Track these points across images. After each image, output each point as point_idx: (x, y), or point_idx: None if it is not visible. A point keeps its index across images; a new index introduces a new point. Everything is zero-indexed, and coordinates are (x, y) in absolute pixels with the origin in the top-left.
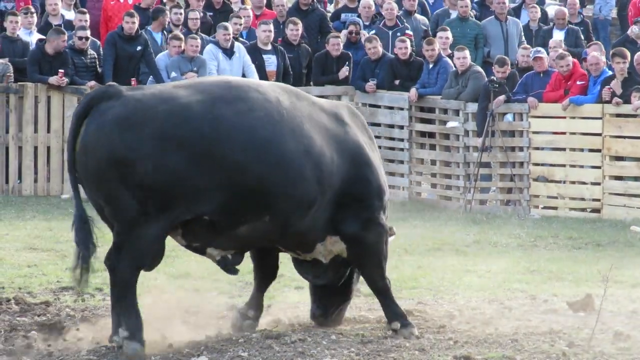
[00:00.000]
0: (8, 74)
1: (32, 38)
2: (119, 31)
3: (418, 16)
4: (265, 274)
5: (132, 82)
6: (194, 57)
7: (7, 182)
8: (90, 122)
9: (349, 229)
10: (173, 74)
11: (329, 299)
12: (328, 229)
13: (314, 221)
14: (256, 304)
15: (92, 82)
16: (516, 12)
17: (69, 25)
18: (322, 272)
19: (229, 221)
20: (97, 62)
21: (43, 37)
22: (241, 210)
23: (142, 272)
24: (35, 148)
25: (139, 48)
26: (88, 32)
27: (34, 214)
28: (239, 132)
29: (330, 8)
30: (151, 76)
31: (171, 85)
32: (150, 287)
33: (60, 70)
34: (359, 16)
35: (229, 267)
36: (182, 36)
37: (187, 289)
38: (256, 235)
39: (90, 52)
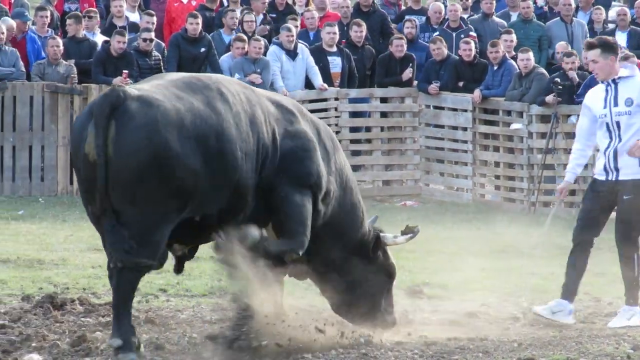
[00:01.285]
0: (72, 75)
1: (96, 39)
2: (183, 33)
3: (496, 19)
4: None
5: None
6: (257, 59)
7: (71, 183)
8: (122, 125)
9: (276, 196)
10: (237, 76)
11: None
12: (268, 216)
13: (256, 208)
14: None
15: None
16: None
17: (133, 27)
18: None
19: (219, 221)
20: (162, 64)
21: (108, 38)
22: (232, 209)
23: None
24: None
25: (202, 49)
26: (152, 34)
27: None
28: (235, 130)
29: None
30: None
31: (156, 84)
32: (216, 288)
33: (124, 71)
34: (427, 19)
35: (183, 263)
36: (245, 38)
37: None
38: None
39: (155, 53)
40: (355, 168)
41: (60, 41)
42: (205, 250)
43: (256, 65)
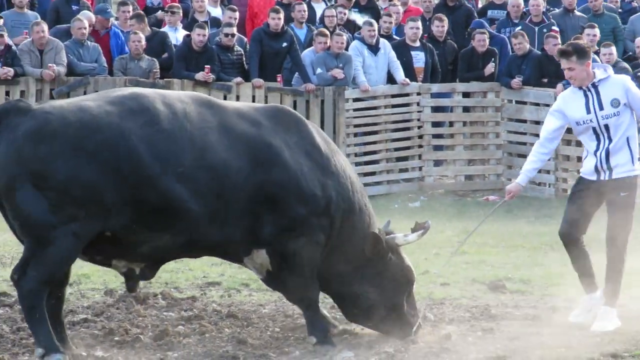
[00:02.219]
0: (154, 70)
1: (178, 35)
2: (265, 27)
3: (577, 13)
4: None
5: (278, 79)
6: (339, 54)
7: None
8: (1, 138)
9: (267, 238)
10: (319, 70)
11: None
12: (252, 242)
13: (226, 234)
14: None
15: (238, 79)
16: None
17: (215, 22)
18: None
19: (131, 239)
20: (244, 59)
21: (189, 33)
22: (142, 229)
23: None
24: None
25: (284, 44)
26: (234, 29)
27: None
28: (146, 146)
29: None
30: (297, 72)
31: (80, 98)
32: None
33: (206, 66)
34: (507, 14)
35: (133, 281)
36: (328, 32)
37: None
38: (160, 252)
39: (237, 48)
40: (438, 163)
41: (142, 36)
42: None
43: (338, 60)
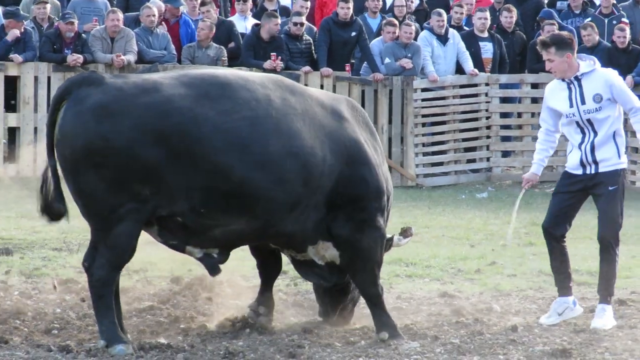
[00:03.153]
0: (222, 58)
1: (247, 23)
2: (334, 17)
3: None
4: (269, 270)
5: (346, 68)
6: (408, 44)
7: None
8: (68, 109)
9: (341, 232)
10: (387, 60)
11: (330, 299)
12: (320, 232)
13: (300, 223)
14: (266, 300)
15: (307, 68)
16: None
17: (284, 11)
18: (326, 274)
19: (203, 223)
20: (312, 48)
21: (258, 22)
22: (216, 213)
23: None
24: None
25: (353, 34)
26: (303, 18)
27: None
28: (221, 133)
29: None
30: (365, 62)
31: (157, 75)
32: None
33: (272, 54)
34: (568, 5)
35: (213, 265)
36: (396, 22)
37: (398, 275)
38: (233, 237)
39: (306, 37)
40: (506, 154)
41: (210, 24)
42: None
43: (407, 50)
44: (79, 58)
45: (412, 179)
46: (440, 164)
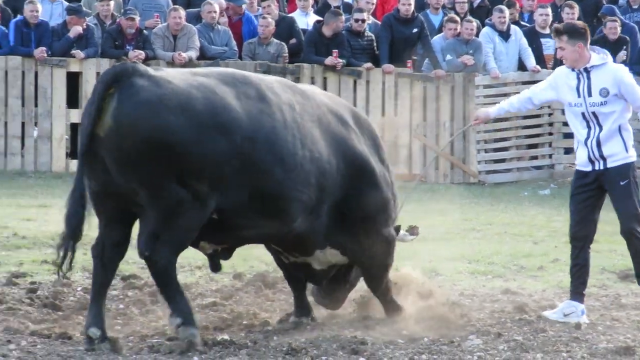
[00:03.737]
0: (283, 54)
1: (308, 20)
2: (395, 13)
3: None
4: (296, 279)
5: (408, 65)
6: (469, 40)
7: None
8: (125, 98)
9: (349, 241)
10: (448, 57)
11: (329, 284)
12: (329, 239)
13: (312, 227)
14: (302, 306)
15: (368, 64)
16: None
17: (346, 7)
18: (318, 277)
19: (238, 222)
20: (374, 44)
21: (320, 18)
22: (253, 214)
23: None
24: None
25: (415, 30)
26: (365, 15)
27: None
28: (265, 133)
29: None
30: (427, 59)
31: (190, 71)
32: (424, 268)
33: (334, 51)
34: (627, 1)
35: (217, 261)
36: (458, 19)
37: (461, 272)
38: (256, 236)
39: (368, 33)
40: (568, 150)
41: (271, 21)
42: None
43: (468, 46)
44: (141, 54)
45: (475, 175)
46: (503, 160)
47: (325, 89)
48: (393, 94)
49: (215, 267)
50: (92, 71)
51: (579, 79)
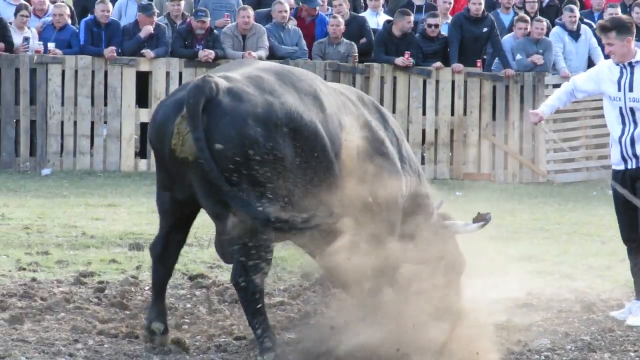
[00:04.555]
0: (353, 54)
1: (379, 19)
2: (465, 13)
3: None
4: None
5: (478, 64)
6: (539, 39)
7: None
8: (214, 121)
9: (361, 230)
10: (518, 56)
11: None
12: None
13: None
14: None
15: (438, 63)
16: None
17: (430, 7)
18: None
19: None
20: (444, 44)
21: (390, 18)
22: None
23: None
24: None
25: (485, 29)
26: (439, 20)
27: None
28: (325, 133)
29: None
30: (497, 58)
31: (249, 73)
32: (496, 267)
33: (406, 52)
34: None
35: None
36: (528, 18)
37: (529, 272)
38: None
39: (441, 35)
40: None
41: (341, 20)
42: (483, 230)
43: (538, 45)
44: (211, 54)
45: (543, 175)
46: (572, 160)
47: (394, 88)
48: (462, 93)
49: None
50: (162, 70)
51: (622, 72)
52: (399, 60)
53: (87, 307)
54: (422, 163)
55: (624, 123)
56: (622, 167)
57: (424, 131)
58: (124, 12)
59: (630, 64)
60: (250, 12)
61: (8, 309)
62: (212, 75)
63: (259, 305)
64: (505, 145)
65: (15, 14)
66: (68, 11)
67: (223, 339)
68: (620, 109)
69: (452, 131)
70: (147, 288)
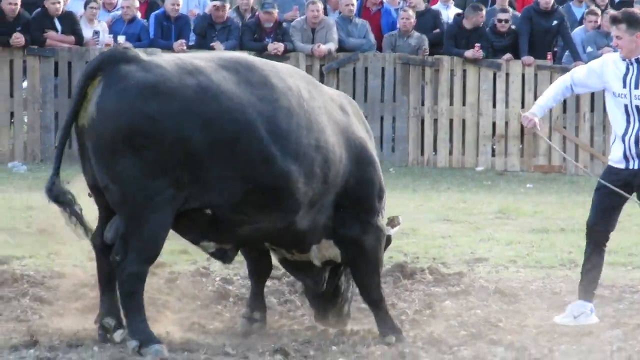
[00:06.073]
0: (424, 47)
1: (449, 12)
2: (535, 6)
3: None
4: (261, 271)
5: (548, 57)
6: (610, 33)
7: (422, 154)
8: (108, 86)
9: (347, 233)
10: (589, 49)
11: (322, 302)
12: (324, 231)
13: (314, 221)
14: (258, 303)
15: (508, 55)
16: None
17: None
18: (318, 276)
19: (234, 218)
20: (515, 39)
21: (460, 11)
22: (249, 208)
23: None
24: (451, 121)
25: (555, 22)
26: (509, 14)
27: (448, 185)
28: (264, 122)
29: None
30: (567, 51)
31: (189, 56)
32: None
33: (476, 45)
34: None
35: (224, 258)
36: (598, 11)
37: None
38: (256, 234)
39: (511, 29)
40: None
41: (411, 14)
42: (554, 222)
43: (609, 38)
44: (280, 47)
45: None
46: None
47: (464, 81)
48: (533, 86)
49: (226, 259)
50: None
51: (628, 69)
52: (468, 53)
53: (158, 297)
54: (492, 155)
55: (628, 121)
56: (622, 165)
57: (494, 124)
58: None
59: (637, 60)
60: (320, 5)
61: (80, 298)
62: (128, 47)
63: (136, 292)
64: (576, 137)
65: (85, 7)
66: (137, 4)
67: (295, 328)
68: (626, 106)
69: (522, 124)
70: (218, 279)
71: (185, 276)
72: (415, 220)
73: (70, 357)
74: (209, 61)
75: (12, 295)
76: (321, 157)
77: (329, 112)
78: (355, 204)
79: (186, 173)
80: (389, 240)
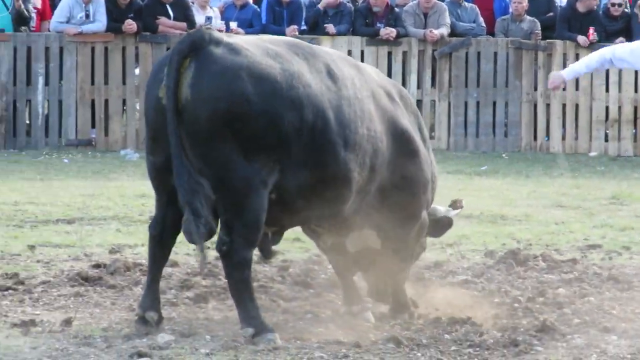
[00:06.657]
0: (536, 31)
1: None
2: None
3: None
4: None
5: None
6: None
7: (535, 139)
8: (202, 67)
9: (388, 223)
10: None
11: (375, 276)
12: (367, 221)
13: (357, 210)
14: (353, 296)
15: (620, 39)
16: None
17: None
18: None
19: (297, 204)
20: (628, 22)
21: None
22: (312, 195)
23: None
24: (563, 105)
25: None
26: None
27: (561, 171)
28: (334, 110)
29: None
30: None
31: (256, 40)
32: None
33: (591, 28)
34: None
35: (268, 247)
36: None
37: None
38: (310, 218)
39: (625, 12)
40: None
41: None
42: None
43: None
44: (392, 32)
45: None
46: None
47: None
48: None
49: (268, 254)
50: (344, 49)
51: None
52: (581, 40)
53: (271, 285)
54: (606, 140)
55: None
56: None
57: (607, 108)
58: None
59: None
60: None
61: (193, 287)
62: (210, 28)
63: (247, 278)
64: None
65: None
66: None
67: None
68: None
69: (635, 108)
70: (329, 267)
71: (298, 264)
72: (528, 206)
73: (182, 346)
74: (279, 45)
75: (125, 284)
76: (371, 147)
77: (377, 99)
78: (397, 193)
79: (274, 156)
80: (450, 223)
